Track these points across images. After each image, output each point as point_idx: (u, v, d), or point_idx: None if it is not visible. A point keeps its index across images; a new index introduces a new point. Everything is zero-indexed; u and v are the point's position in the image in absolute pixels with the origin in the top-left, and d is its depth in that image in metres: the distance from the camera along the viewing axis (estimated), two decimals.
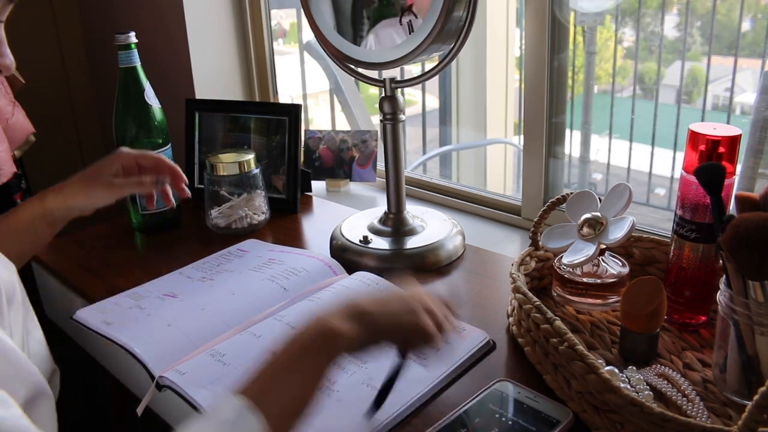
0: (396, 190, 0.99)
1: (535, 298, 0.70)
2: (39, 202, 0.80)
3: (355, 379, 0.70)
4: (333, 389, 0.68)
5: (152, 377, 0.71)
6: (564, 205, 0.82)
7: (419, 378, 0.69)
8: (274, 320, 0.79)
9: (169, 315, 0.82)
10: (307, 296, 0.85)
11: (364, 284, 0.87)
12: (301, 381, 0.52)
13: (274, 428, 0.48)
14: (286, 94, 1.67)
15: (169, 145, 1.10)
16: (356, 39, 0.92)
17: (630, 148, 1.74)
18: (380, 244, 0.97)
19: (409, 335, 0.59)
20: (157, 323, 0.80)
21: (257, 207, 1.09)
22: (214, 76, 1.42)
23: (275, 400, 0.50)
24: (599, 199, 0.80)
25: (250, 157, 1.06)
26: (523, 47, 1.07)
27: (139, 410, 0.70)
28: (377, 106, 0.96)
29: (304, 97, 1.77)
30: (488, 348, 0.75)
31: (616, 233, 0.75)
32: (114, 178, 0.84)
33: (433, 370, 0.70)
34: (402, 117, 0.95)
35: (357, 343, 0.56)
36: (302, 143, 1.30)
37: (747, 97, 1.73)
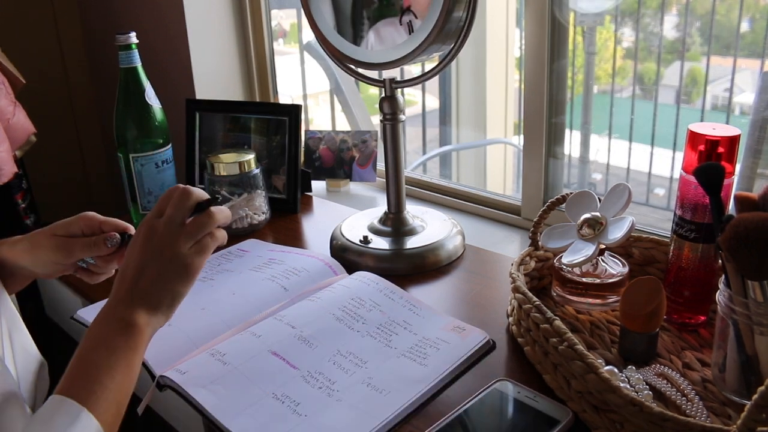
0: (396, 190, 0.99)
1: (535, 298, 0.70)
2: None
3: (354, 378, 0.70)
4: (333, 389, 0.69)
5: (153, 376, 0.72)
6: (564, 205, 0.82)
7: (419, 377, 0.70)
8: (275, 320, 0.80)
9: None
10: (308, 296, 0.86)
11: (364, 284, 0.87)
12: (121, 373, 0.56)
13: (106, 423, 0.53)
14: (286, 95, 1.67)
15: (170, 145, 1.10)
16: (356, 39, 0.92)
17: (629, 148, 1.75)
18: (380, 244, 0.97)
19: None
20: None
21: (257, 207, 1.09)
22: (215, 76, 1.43)
23: (103, 397, 0.54)
24: (599, 199, 0.80)
25: (251, 157, 1.06)
26: (523, 47, 1.08)
27: (140, 409, 0.71)
28: (377, 106, 0.96)
29: (304, 97, 1.77)
30: (488, 348, 0.75)
31: (616, 233, 0.75)
32: (63, 237, 0.70)
33: (432, 369, 0.71)
34: (402, 117, 0.95)
35: (159, 326, 0.62)
36: (302, 143, 1.30)
37: (746, 97, 1.73)
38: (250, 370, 0.71)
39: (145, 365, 0.73)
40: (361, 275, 0.90)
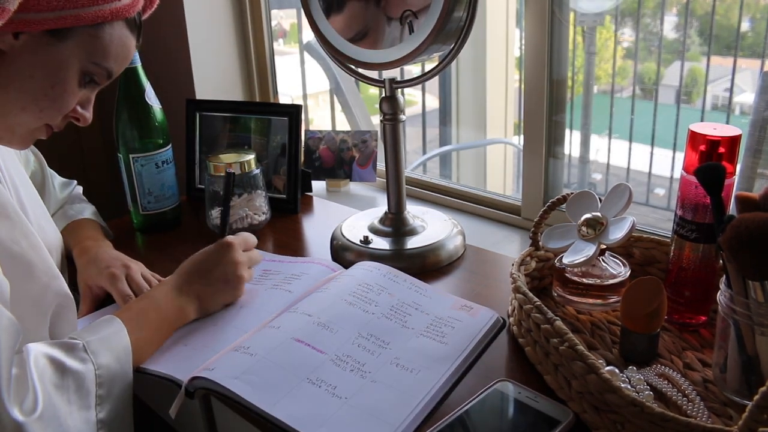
0: (396, 190, 0.99)
1: (536, 299, 0.70)
2: (87, 248, 0.94)
3: (382, 359, 0.71)
4: (365, 371, 0.70)
5: (172, 382, 0.70)
6: (564, 205, 0.82)
7: (444, 355, 0.72)
8: (289, 313, 0.80)
9: (182, 333, 0.80)
10: (315, 290, 0.85)
11: (366, 271, 0.88)
12: (159, 333, 0.76)
13: (135, 348, 0.70)
14: (286, 95, 1.67)
15: (170, 145, 1.10)
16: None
17: (630, 149, 1.75)
18: (381, 244, 0.97)
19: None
20: (172, 343, 0.78)
21: (258, 207, 1.09)
22: (215, 76, 1.42)
23: (139, 333, 0.73)
24: (599, 199, 0.80)
25: (251, 157, 1.06)
26: (523, 47, 1.07)
27: (172, 412, 0.69)
28: (377, 106, 0.96)
29: (305, 97, 1.77)
30: (500, 325, 0.77)
31: (617, 233, 0.75)
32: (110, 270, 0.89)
33: (454, 347, 0.73)
34: (402, 117, 0.95)
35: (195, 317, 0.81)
36: (302, 143, 1.30)
37: (746, 97, 1.73)
38: (278, 358, 0.70)
39: (167, 378, 0.71)
40: (361, 264, 0.91)
